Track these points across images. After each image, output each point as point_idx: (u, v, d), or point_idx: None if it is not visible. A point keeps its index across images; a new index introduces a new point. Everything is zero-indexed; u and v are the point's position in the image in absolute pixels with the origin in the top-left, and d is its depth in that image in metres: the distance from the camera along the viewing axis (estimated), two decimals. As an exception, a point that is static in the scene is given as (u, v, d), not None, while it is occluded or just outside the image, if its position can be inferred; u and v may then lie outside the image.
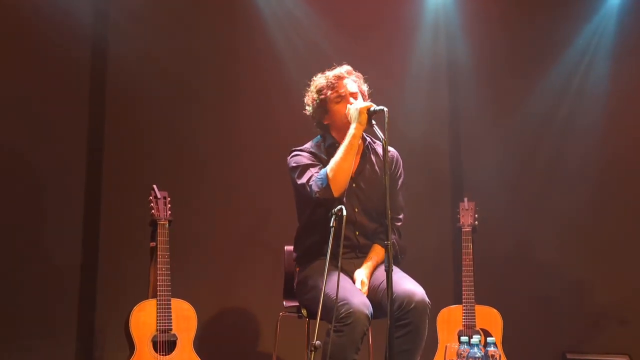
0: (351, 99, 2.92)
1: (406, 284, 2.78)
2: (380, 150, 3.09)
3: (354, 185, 2.97)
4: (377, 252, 2.98)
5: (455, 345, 2.54)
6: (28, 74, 3.93)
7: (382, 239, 2.97)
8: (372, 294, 2.84)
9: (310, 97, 3.03)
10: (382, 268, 2.91)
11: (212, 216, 4.25)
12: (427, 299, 2.74)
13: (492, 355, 2.48)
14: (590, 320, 4.34)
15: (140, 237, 3.50)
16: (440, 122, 4.71)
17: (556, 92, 4.57)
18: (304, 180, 2.87)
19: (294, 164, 2.97)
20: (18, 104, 3.89)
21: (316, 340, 2.30)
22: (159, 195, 3.31)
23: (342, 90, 2.94)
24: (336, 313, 2.57)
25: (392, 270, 2.39)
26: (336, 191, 2.76)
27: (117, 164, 4.10)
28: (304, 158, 2.97)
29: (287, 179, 3.07)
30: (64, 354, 3.83)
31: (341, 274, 2.57)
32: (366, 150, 3.05)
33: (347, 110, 2.87)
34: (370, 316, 2.64)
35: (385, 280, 2.43)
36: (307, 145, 3.06)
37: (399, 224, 3.07)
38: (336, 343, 2.56)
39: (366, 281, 2.85)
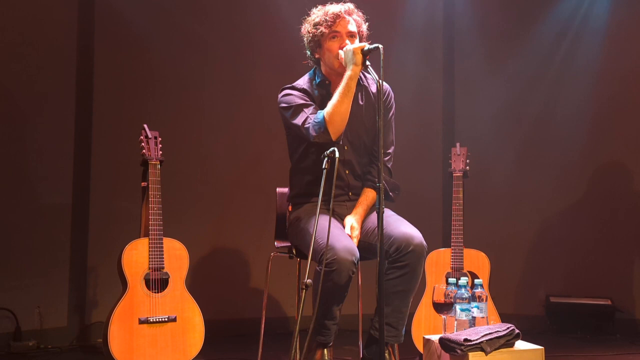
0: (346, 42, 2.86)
1: (404, 227, 2.79)
2: (369, 83, 3.04)
3: None
4: (367, 196, 2.98)
5: (443, 286, 2.57)
6: (14, 7, 3.83)
7: (371, 180, 2.98)
8: (367, 237, 2.86)
9: (305, 29, 2.97)
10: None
11: (204, 156, 4.26)
12: (424, 242, 2.75)
13: (479, 297, 2.52)
14: (574, 265, 4.42)
15: (132, 176, 3.49)
16: (434, 67, 4.68)
17: (553, 36, 4.54)
18: (298, 122, 2.84)
19: (285, 104, 2.93)
20: (4, 40, 3.80)
21: (307, 278, 2.33)
22: (149, 135, 3.27)
23: (338, 28, 2.88)
24: (320, 259, 2.58)
25: (382, 211, 2.40)
26: (334, 135, 2.74)
27: (108, 103, 4.06)
28: (295, 97, 2.92)
29: (280, 122, 3.05)
30: (58, 293, 3.87)
31: (332, 218, 2.57)
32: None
33: (340, 55, 2.82)
34: (355, 261, 2.63)
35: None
36: (300, 82, 3.02)
37: (388, 158, 3.03)
38: (323, 288, 2.56)
39: (356, 226, 2.85)
